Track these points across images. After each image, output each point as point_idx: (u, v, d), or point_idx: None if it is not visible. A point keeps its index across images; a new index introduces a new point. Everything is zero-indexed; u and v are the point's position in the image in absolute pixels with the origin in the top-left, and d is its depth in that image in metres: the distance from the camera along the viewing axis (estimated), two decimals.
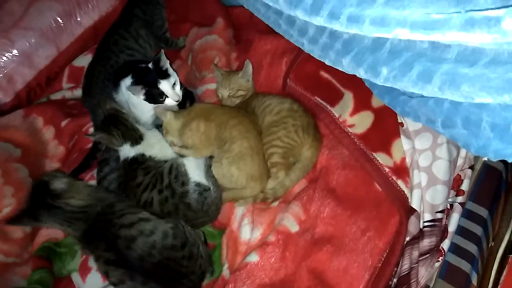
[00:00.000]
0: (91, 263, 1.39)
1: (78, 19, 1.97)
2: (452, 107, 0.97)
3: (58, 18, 1.92)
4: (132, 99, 1.57)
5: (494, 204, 1.45)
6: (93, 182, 1.60)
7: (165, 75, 1.53)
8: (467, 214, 1.40)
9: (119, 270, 1.21)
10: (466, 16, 0.71)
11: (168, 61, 1.56)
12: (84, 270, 1.40)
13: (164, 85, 1.52)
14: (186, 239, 1.30)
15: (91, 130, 1.76)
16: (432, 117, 1.06)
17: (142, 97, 1.53)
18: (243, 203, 1.43)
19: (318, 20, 0.93)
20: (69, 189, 1.32)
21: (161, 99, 1.54)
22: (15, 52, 1.84)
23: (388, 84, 0.96)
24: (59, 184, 1.31)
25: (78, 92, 1.93)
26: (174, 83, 1.55)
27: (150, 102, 1.54)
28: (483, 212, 1.41)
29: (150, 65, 1.53)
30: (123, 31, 1.86)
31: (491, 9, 0.69)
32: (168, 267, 1.24)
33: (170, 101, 1.55)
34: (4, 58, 1.83)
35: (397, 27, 0.80)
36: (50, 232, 1.50)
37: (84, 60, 1.99)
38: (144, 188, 1.41)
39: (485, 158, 1.41)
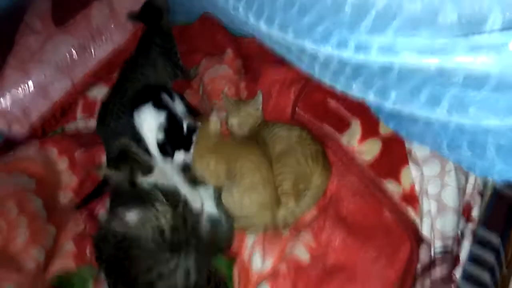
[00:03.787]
0: None
1: (92, 51, 2.03)
2: (457, 130, 0.98)
3: (73, 51, 1.97)
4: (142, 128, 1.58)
5: (506, 230, 1.43)
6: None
7: (189, 147, 1.55)
8: (478, 241, 1.39)
9: None
10: (473, 40, 0.73)
11: None
12: None
13: (179, 155, 1.53)
14: (210, 272, 1.32)
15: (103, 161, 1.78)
16: (438, 139, 1.07)
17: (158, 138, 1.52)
18: (254, 231, 1.44)
19: (327, 49, 0.96)
20: None
21: (163, 153, 1.53)
22: (30, 84, 1.89)
23: (397, 107, 0.98)
24: None
25: (92, 123, 1.96)
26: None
27: (159, 148, 1.53)
28: (495, 239, 1.39)
29: (185, 128, 1.54)
30: (141, 59, 1.89)
31: (498, 31, 0.71)
32: None
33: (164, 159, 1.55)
34: (20, 90, 1.88)
35: (404, 51, 0.83)
36: (63, 261, 1.50)
37: (98, 91, 2.02)
38: None
39: (497, 186, 1.41)
